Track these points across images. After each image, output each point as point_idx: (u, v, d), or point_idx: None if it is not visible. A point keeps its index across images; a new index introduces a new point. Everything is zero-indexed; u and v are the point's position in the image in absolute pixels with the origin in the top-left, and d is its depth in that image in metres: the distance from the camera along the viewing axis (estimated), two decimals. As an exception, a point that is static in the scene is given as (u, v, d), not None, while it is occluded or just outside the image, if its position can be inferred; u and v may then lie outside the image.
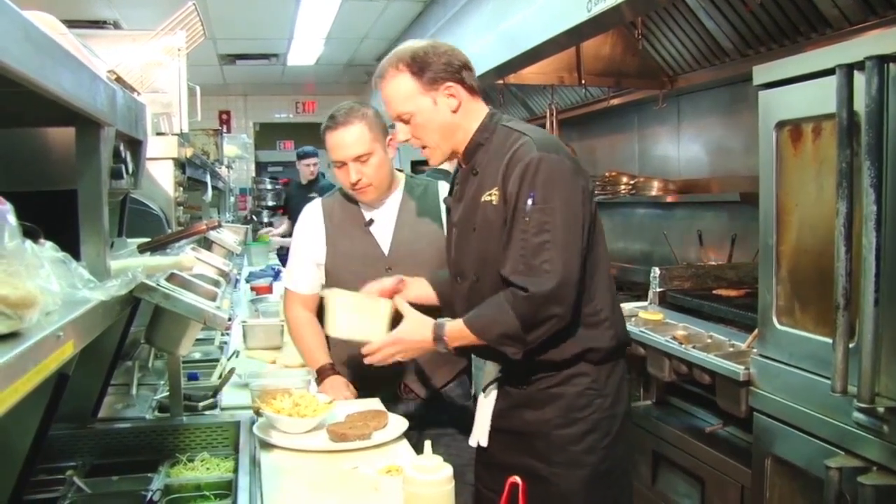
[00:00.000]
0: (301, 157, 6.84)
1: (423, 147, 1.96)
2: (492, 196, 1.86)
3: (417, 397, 2.40)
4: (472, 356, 2.47)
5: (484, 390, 2.04)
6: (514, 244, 1.79)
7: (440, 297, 2.18)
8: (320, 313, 2.52)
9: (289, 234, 6.26)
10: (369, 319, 2.00)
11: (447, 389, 2.43)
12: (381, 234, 2.40)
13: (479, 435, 2.02)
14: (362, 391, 2.38)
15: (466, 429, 2.43)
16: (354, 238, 2.40)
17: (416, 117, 1.90)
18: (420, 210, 2.40)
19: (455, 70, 1.89)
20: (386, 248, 2.38)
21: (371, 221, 2.40)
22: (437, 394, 2.41)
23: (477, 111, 1.95)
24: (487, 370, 2.06)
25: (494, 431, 2.00)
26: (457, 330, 1.87)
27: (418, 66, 1.88)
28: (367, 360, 1.97)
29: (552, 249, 1.75)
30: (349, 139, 2.28)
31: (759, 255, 2.35)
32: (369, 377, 2.37)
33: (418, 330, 1.92)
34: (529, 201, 1.76)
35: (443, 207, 2.34)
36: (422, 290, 2.19)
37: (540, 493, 1.87)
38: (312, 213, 2.49)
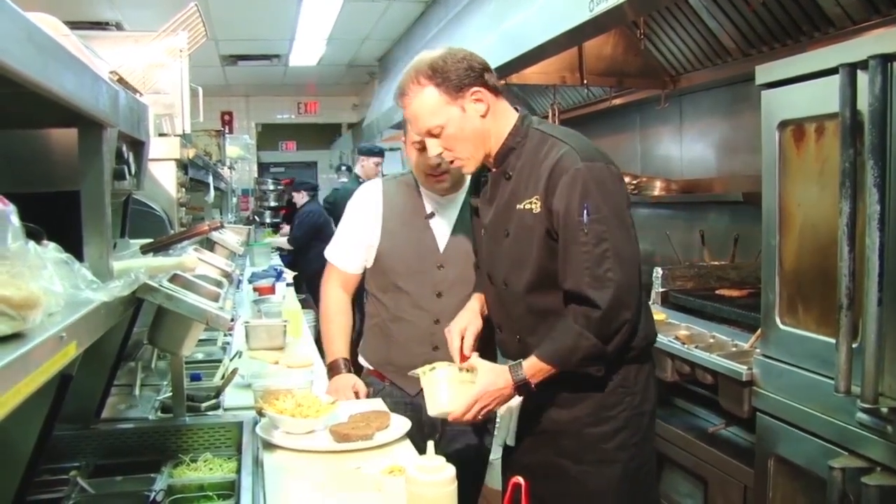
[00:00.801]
0: (371, 153, 6.32)
1: (455, 160, 1.91)
2: (532, 204, 1.84)
3: None
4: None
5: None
6: (575, 258, 1.78)
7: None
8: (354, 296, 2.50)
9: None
10: (466, 389, 1.88)
11: None
12: (440, 228, 2.34)
13: (506, 435, 2.02)
14: (389, 383, 2.38)
15: (492, 427, 2.43)
16: (413, 228, 2.34)
17: (447, 128, 1.86)
18: None
19: (477, 74, 1.85)
20: (442, 245, 2.33)
21: (432, 214, 2.34)
22: None
23: (505, 112, 1.93)
24: None
25: (521, 432, 2.00)
26: (535, 368, 1.83)
27: (440, 76, 1.83)
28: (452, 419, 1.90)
29: (612, 257, 1.75)
30: (419, 110, 2.12)
31: (762, 254, 2.35)
32: (401, 373, 2.33)
33: (496, 381, 1.84)
34: (585, 214, 1.75)
35: None
36: (478, 315, 2.09)
37: (570, 492, 1.89)
38: (372, 194, 2.41)
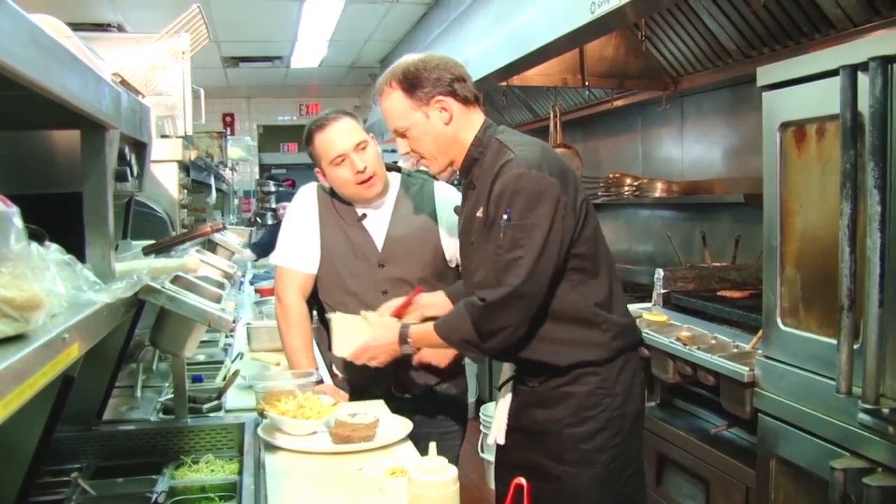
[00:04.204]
0: None
1: (421, 158, 2.01)
2: (483, 212, 1.90)
3: (412, 395, 2.39)
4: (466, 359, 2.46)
5: (500, 389, 2.06)
6: (487, 258, 1.84)
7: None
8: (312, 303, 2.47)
9: None
10: (361, 338, 2.08)
11: (442, 389, 2.42)
12: (375, 228, 2.36)
13: (497, 433, 2.04)
14: (357, 390, 2.38)
15: (458, 428, 2.44)
16: (348, 230, 2.37)
17: (411, 131, 1.96)
18: (415, 207, 2.38)
19: (446, 84, 1.93)
20: (380, 244, 2.35)
21: (364, 216, 2.37)
22: (431, 392, 2.40)
23: (472, 122, 1.98)
24: (503, 370, 2.09)
25: (510, 430, 2.02)
26: (422, 332, 1.97)
27: (409, 82, 1.93)
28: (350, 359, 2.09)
29: (523, 266, 1.79)
30: (344, 129, 2.27)
31: (763, 256, 2.35)
32: (365, 375, 2.36)
33: (384, 334, 2.02)
34: (505, 217, 1.81)
35: (438, 205, 2.38)
36: (438, 301, 2.21)
37: (553, 491, 1.90)
38: (308, 195, 2.44)
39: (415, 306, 2.18)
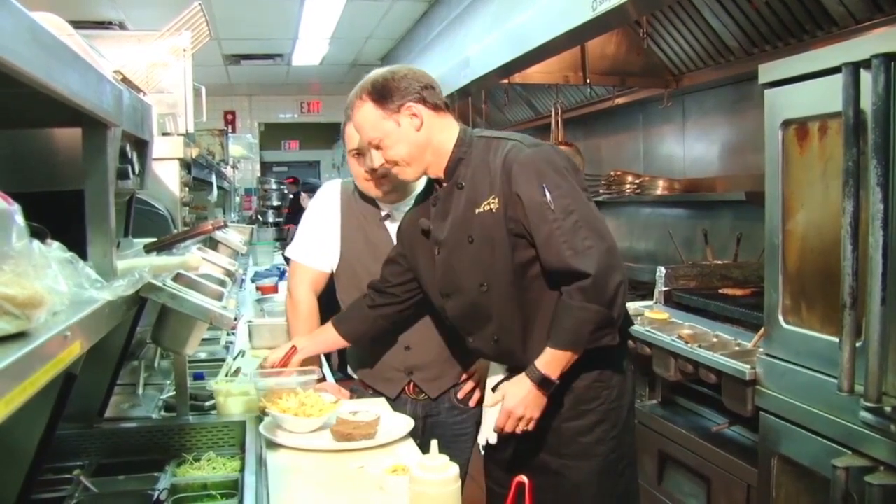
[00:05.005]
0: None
1: (395, 165, 1.99)
2: (490, 205, 1.89)
3: (427, 398, 2.39)
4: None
5: (493, 390, 2.04)
6: (551, 236, 1.81)
7: (350, 336, 2.27)
8: (323, 299, 2.46)
9: None
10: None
11: (457, 391, 2.41)
12: (396, 229, 2.35)
13: (489, 433, 2.03)
14: (372, 391, 2.38)
15: (472, 430, 2.43)
16: (369, 230, 2.36)
17: (384, 140, 1.97)
18: None
19: (415, 92, 1.95)
20: None
21: (387, 216, 2.36)
22: (446, 395, 2.40)
23: (445, 126, 2.00)
24: (494, 369, 2.07)
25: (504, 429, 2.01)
26: (548, 358, 1.82)
27: (378, 93, 1.95)
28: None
29: (585, 226, 1.80)
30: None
31: (765, 254, 2.35)
32: (378, 376, 2.37)
33: (516, 389, 1.86)
34: (546, 192, 1.81)
35: None
36: (309, 342, 2.30)
37: (551, 486, 1.91)
38: (331, 192, 2.44)
39: (295, 355, 2.25)
